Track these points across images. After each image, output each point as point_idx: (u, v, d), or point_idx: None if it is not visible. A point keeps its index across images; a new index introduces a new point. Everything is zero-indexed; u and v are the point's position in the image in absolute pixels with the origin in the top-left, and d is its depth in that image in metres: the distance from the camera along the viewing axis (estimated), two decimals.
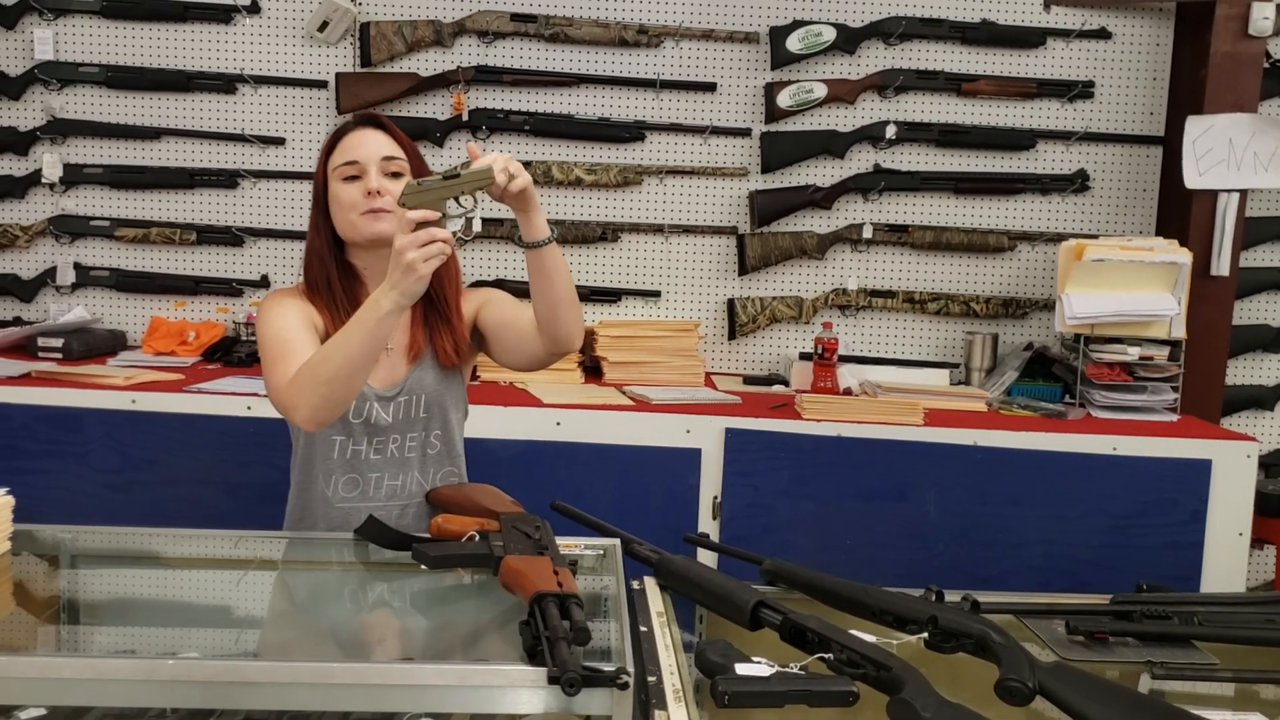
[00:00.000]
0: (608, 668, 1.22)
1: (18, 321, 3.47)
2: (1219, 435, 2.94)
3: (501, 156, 1.82)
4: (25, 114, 3.46)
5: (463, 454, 2.14)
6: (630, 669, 1.24)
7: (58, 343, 3.14)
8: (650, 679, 1.33)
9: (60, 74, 3.42)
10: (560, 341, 1.98)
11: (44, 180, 3.45)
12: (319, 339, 1.94)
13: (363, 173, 1.97)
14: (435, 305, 2.06)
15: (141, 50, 3.44)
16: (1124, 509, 2.80)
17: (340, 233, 2.01)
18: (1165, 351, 3.07)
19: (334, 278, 2.01)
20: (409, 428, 2.03)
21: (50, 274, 3.48)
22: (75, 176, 3.46)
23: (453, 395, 2.10)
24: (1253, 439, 2.86)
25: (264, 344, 1.93)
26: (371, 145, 2.00)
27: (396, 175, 1.99)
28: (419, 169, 2.04)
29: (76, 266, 3.48)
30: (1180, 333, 3.08)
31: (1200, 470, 2.81)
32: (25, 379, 2.88)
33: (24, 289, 3.48)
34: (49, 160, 3.44)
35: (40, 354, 3.13)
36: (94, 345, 3.25)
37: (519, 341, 2.04)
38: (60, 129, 3.44)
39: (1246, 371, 3.59)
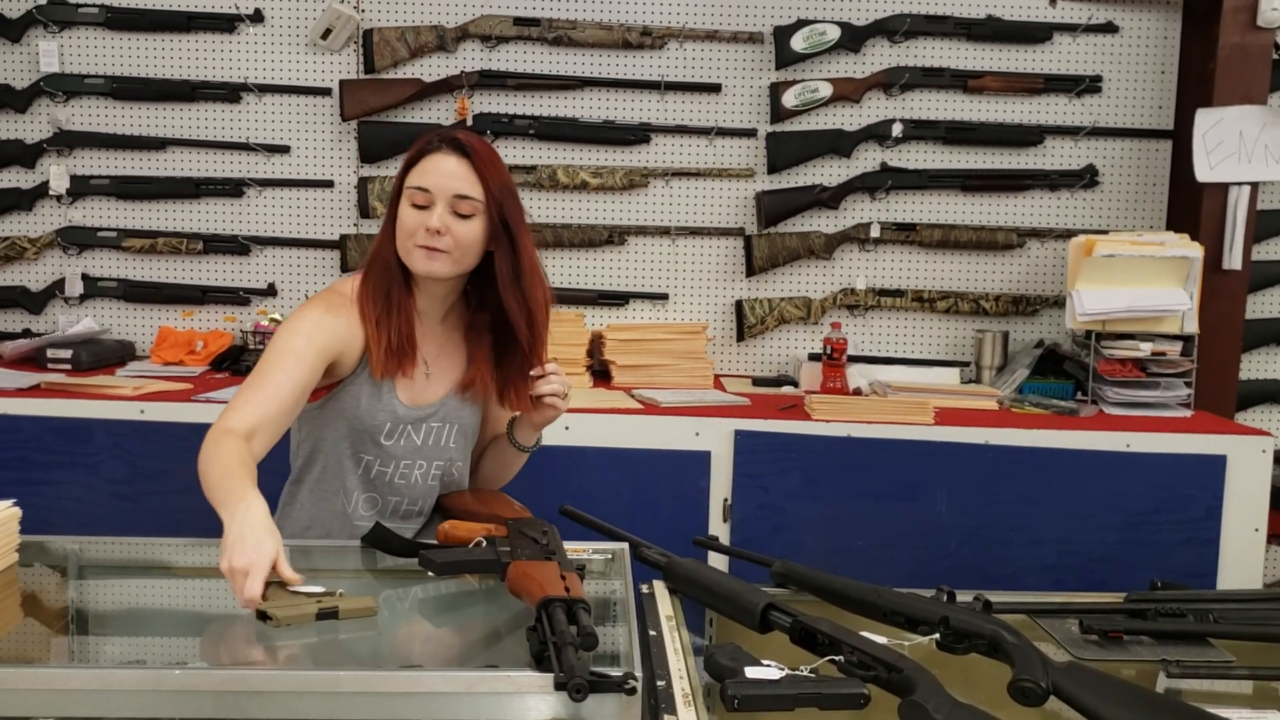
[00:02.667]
0: (615, 673, 1.21)
1: (27, 333, 3.48)
2: (1233, 430, 2.91)
3: (561, 380, 1.99)
4: (32, 126, 3.47)
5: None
6: (638, 674, 1.24)
7: (66, 354, 3.14)
8: (659, 683, 1.32)
9: (66, 86, 3.42)
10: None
11: (51, 192, 3.46)
12: (318, 367, 1.87)
13: (430, 203, 1.89)
14: (507, 329, 1.98)
15: (146, 61, 3.45)
16: (1138, 506, 2.78)
17: (397, 249, 1.94)
18: (1178, 347, 3.05)
19: (394, 287, 1.94)
20: (437, 455, 2.01)
21: (58, 285, 3.48)
22: (82, 188, 3.46)
23: (476, 430, 2.11)
24: (1268, 434, 2.84)
25: (269, 348, 1.88)
26: (448, 176, 1.90)
27: (466, 217, 1.90)
28: (499, 210, 1.91)
29: (84, 278, 3.49)
30: (1193, 328, 3.06)
31: (1215, 466, 2.79)
32: (34, 390, 2.89)
33: (33, 301, 3.49)
34: (56, 172, 3.44)
35: (49, 365, 3.13)
36: (102, 356, 3.25)
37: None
38: (66, 141, 3.44)
39: (1260, 366, 3.57)
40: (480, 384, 2.01)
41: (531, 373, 2.00)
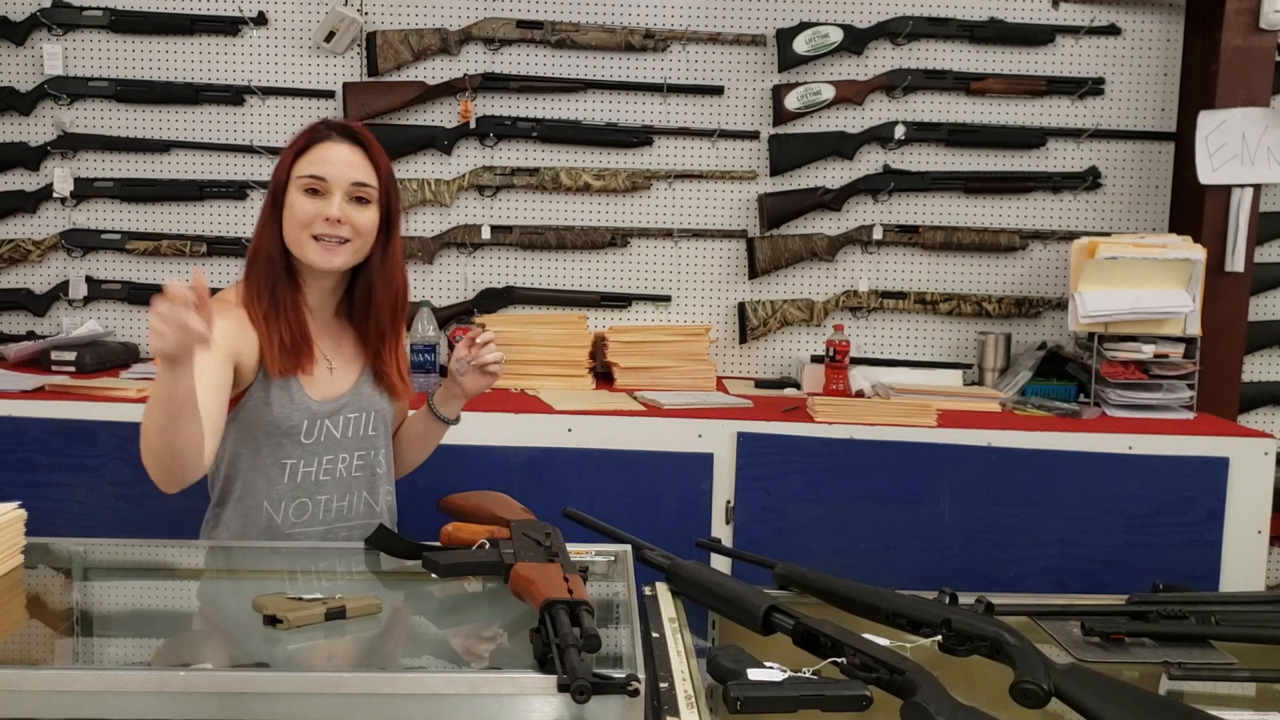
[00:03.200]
0: (618, 674, 1.22)
1: (31, 335, 3.48)
2: (1236, 432, 2.91)
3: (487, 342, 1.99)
4: (36, 129, 3.47)
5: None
6: (641, 676, 1.24)
7: (71, 356, 3.15)
8: (662, 685, 1.32)
9: (70, 89, 3.43)
10: (399, 475, 2.18)
11: (55, 195, 3.46)
12: (224, 367, 1.82)
13: (327, 191, 1.88)
14: (372, 324, 2.00)
15: (150, 64, 3.46)
16: (1141, 508, 2.78)
17: (286, 242, 1.91)
18: (1180, 349, 3.05)
19: (280, 284, 1.91)
20: (358, 445, 2.00)
21: (62, 288, 3.49)
22: (86, 190, 3.47)
23: (391, 416, 2.09)
24: (1270, 436, 2.83)
25: None
26: (344, 164, 1.89)
27: (362, 201, 1.90)
28: (388, 200, 1.94)
29: (88, 280, 3.49)
30: (1195, 330, 3.06)
31: (1218, 468, 2.79)
32: (39, 392, 2.89)
33: (37, 303, 3.50)
34: (60, 175, 3.45)
35: (53, 367, 3.13)
36: (107, 358, 3.25)
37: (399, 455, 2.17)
38: (70, 143, 3.45)
39: (1263, 368, 3.57)
40: (387, 373, 2.03)
41: (478, 339, 2.01)
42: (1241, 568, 2.78)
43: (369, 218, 1.92)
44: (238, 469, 1.97)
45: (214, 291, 1.77)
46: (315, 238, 1.88)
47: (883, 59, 3.48)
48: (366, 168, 1.91)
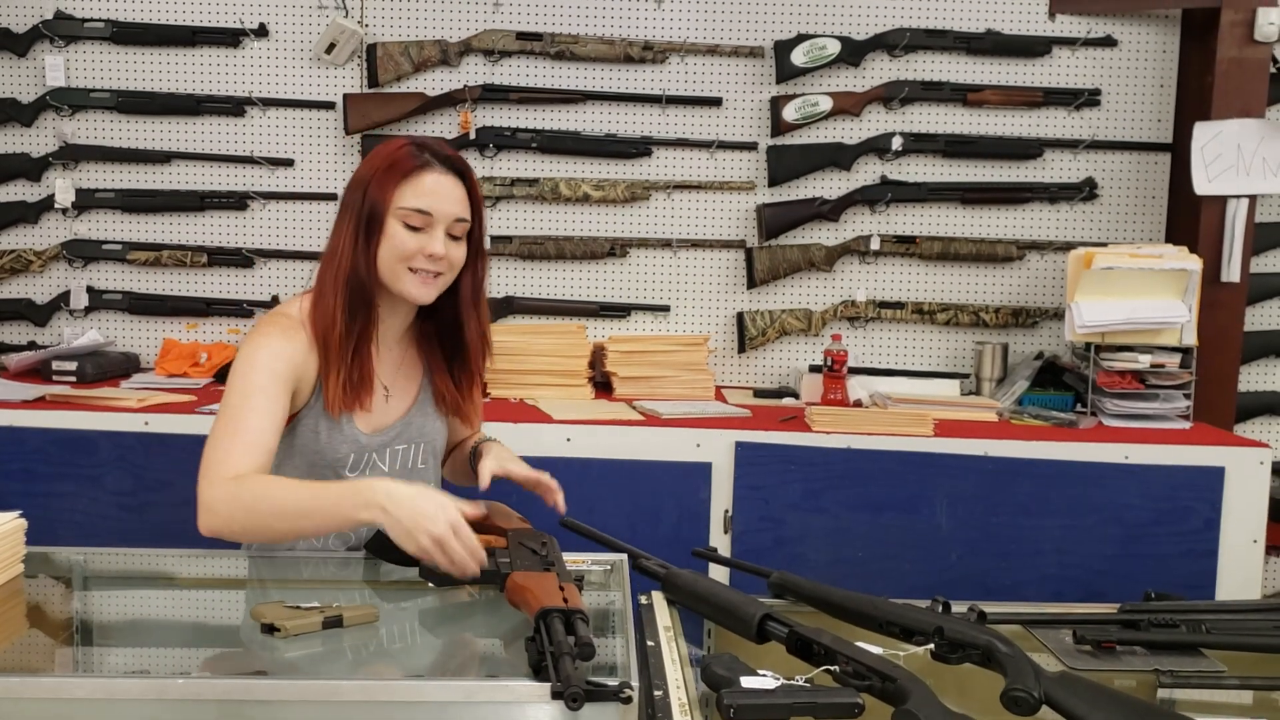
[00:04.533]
0: (612, 682, 1.23)
1: (32, 345, 3.50)
2: (1232, 442, 2.92)
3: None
4: (37, 140, 3.49)
5: None
6: (635, 683, 1.25)
7: (71, 366, 3.16)
8: (657, 694, 1.33)
9: (71, 100, 3.45)
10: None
11: (56, 205, 3.48)
12: (286, 401, 1.80)
13: (430, 227, 1.81)
14: (460, 349, 1.96)
15: (151, 75, 3.47)
16: (1137, 517, 2.79)
17: (379, 268, 1.83)
18: (1177, 359, 3.06)
19: (361, 314, 1.83)
20: (405, 477, 1.89)
21: (64, 298, 3.50)
22: (87, 201, 3.48)
23: (443, 447, 2.06)
24: (1266, 445, 2.84)
25: (230, 387, 1.78)
26: (450, 200, 1.83)
27: (456, 239, 1.85)
28: (478, 230, 1.90)
29: (89, 290, 3.51)
30: (1191, 340, 3.07)
31: (1214, 477, 2.80)
32: (39, 402, 2.90)
33: (38, 313, 3.51)
34: (61, 185, 3.47)
35: (54, 377, 3.15)
36: (107, 368, 3.27)
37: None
38: (72, 154, 3.47)
39: (1259, 378, 3.58)
40: (449, 393, 1.97)
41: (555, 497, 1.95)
42: (1238, 577, 2.78)
43: (462, 252, 1.87)
44: None
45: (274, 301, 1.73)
46: (411, 270, 1.83)
47: (880, 70, 3.49)
48: (465, 202, 1.86)
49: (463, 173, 1.86)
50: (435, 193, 1.82)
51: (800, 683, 1.27)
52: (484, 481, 1.91)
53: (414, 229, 1.81)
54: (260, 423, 1.75)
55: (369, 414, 1.90)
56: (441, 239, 1.82)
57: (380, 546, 1.76)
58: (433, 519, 1.53)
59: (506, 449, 2.03)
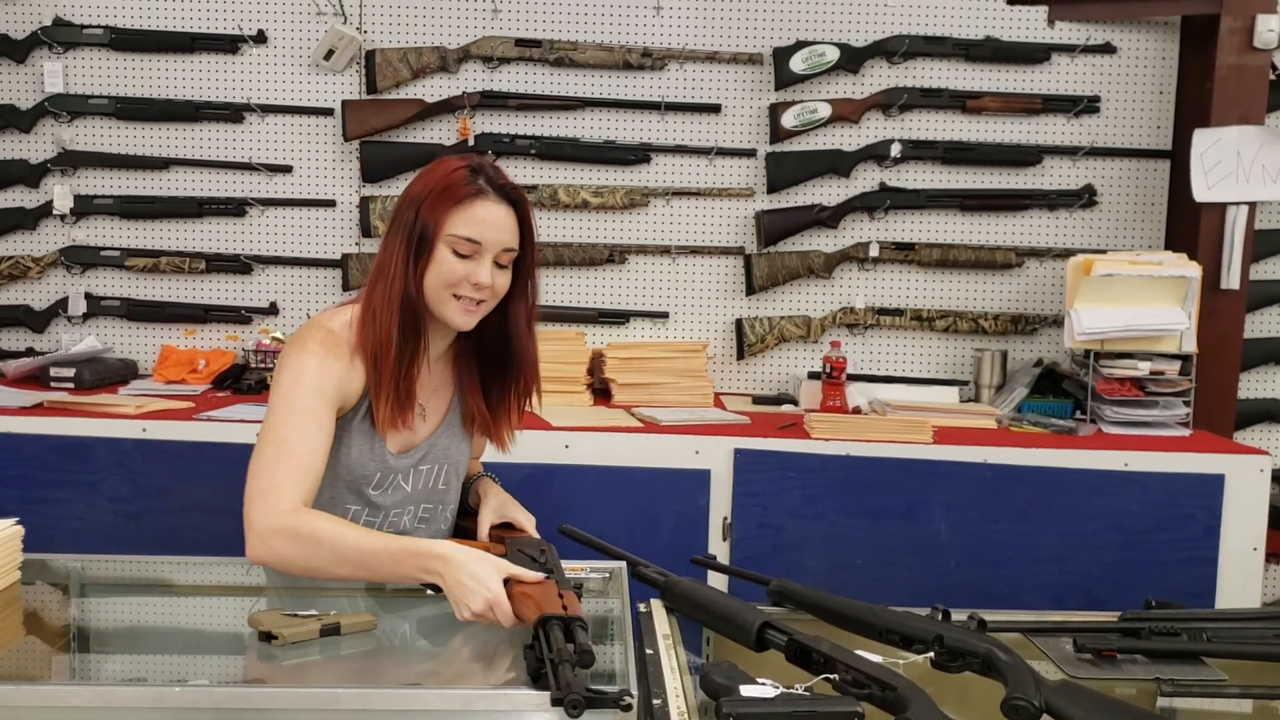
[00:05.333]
0: (611, 689, 1.22)
1: (30, 352, 3.49)
2: (1232, 449, 2.92)
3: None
4: (36, 146, 3.49)
5: None
6: (634, 691, 1.25)
7: (69, 372, 3.16)
8: (655, 702, 1.33)
9: (70, 106, 3.45)
10: None
11: (55, 212, 3.48)
12: (333, 421, 1.78)
13: (478, 255, 1.78)
14: (505, 372, 1.93)
15: (150, 81, 3.47)
16: (1137, 525, 2.79)
17: (425, 290, 1.80)
18: (1176, 366, 3.06)
19: (410, 334, 1.80)
20: (425, 498, 1.92)
21: (62, 304, 3.50)
22: (86, 207, 3.48)
23: (465, 468, 2.03)
24: (1266, 453, 2.84)
25: (275, 406, 1.75)
26: (501, 229, 1.80)
27: (502, 267, 1.82)
28: (529, 258, 1.87)
29: (87, 296, 3.50)
30: (1191, 347, 3.07)
31: (1213, 485, 2.79)
32: (37, 409, 2.90)
33: (36, 320, 3.51)
34: (59, 192, 3.47)
35: (52, 384, 3.14)
36: (105, 374, 3.26)
37: None
38: (70, 161, 3.47)
39: (1259, 385, 3.58)
40: (479, 414, 1.95)
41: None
42: (1238, 584, 2.78)
43: (506, 280, 1.84)
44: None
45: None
46: (456, 296, 1.80)
47: (879, 77, 3.49)
48: (515, 231, 1.82)
49: (516, 202, 1.83)
50: (487, 222, 1.79)
51: (799, 691, 1.26)
52: (483, 534, 1.89)
53: (462, 256, 1.79)
54: (310, 445, 1.73)
55: (400, 435, 1.87)
56: (489, 268, 1.79)
57: None
58: (475, 593, 1.51)
59: (505, 494, 2.01)
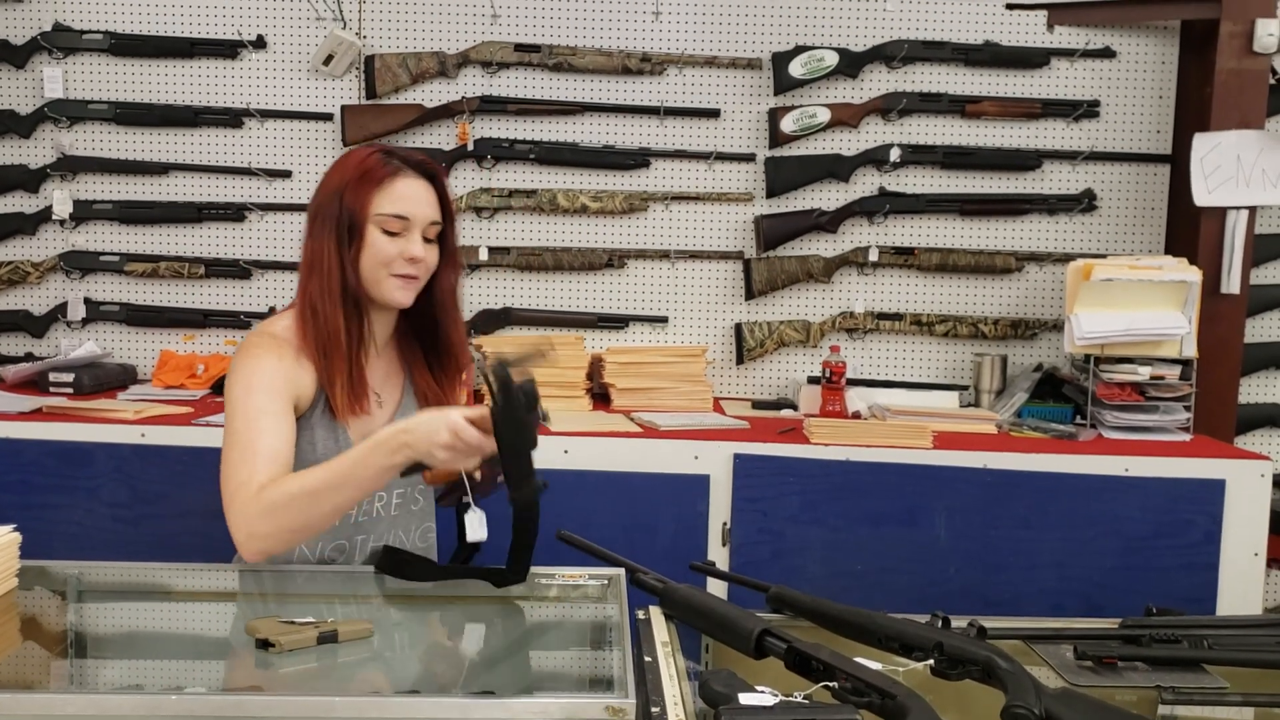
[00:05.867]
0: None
1: (29, 357, 3.49)
2: (1232, 454, 2.91)
3: None
4: (35, 151, 3.49)
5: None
6: (633, 699, 1.24)
7: (68, 378, 3.15)
8: (654, 709, 1.32)
9: (70, 111, 3.45)
10: None
11: (54, 217, 3.48)
12: (292, 416, 1.81)
13: (407, 231, 1.85)
14: (439, 349, 1.99)
15: (149, 87, 3.47)
16: (1137, 530, 2.78)
17: (361, 275, 1.86)
18: (1176, 371, 3.06)
19: (354, 322, 1.86)
20: (395, 483, 1.92)
21: (61, 309, 3.50)
22: (85, 212, 3.48)
23: None
24: (1267, 458, 2.83)
25: (232, 415, 1.79)
26: (425, 203, 1.87)
27: (430, 242, 1.89)
28: (450, 230, 1.94)
29: (87, 301, 3.50)
30: (1191, 351, 3.06)
31: (1214, 490, 2.79)
32: (36, 414, 2.90)
33: (35, 325, 3.51)
34: (59, 197, 3.46)
35: (51, 389, 3.14)
36: (104, 380, 3.26)
37: None
38: (70, 166, 3.46)
39: (1260, 390, 3.57)
40: (430, 391, 1.99)
41: None
42: (1239, 590, 2.77)
43: (435, 253, 1.92)
44: None
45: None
46: (393, 275, 1.86)
47: (878, 82, 3.49)
48: (438, 205, 1.90)
49: (433, 176, 1.91)
50: (410, 197, 1.86)
51: (799, 699, 1.26)
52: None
53: (392, 234, 1.85)
54: (273, 441, 1.77)
55: (361, 422, 1.91)
56: (419, 242, 1.86)
57: (390, 564, 1.75)
58: (436, 431, 1.60)
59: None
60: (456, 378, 2.04)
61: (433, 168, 1.91)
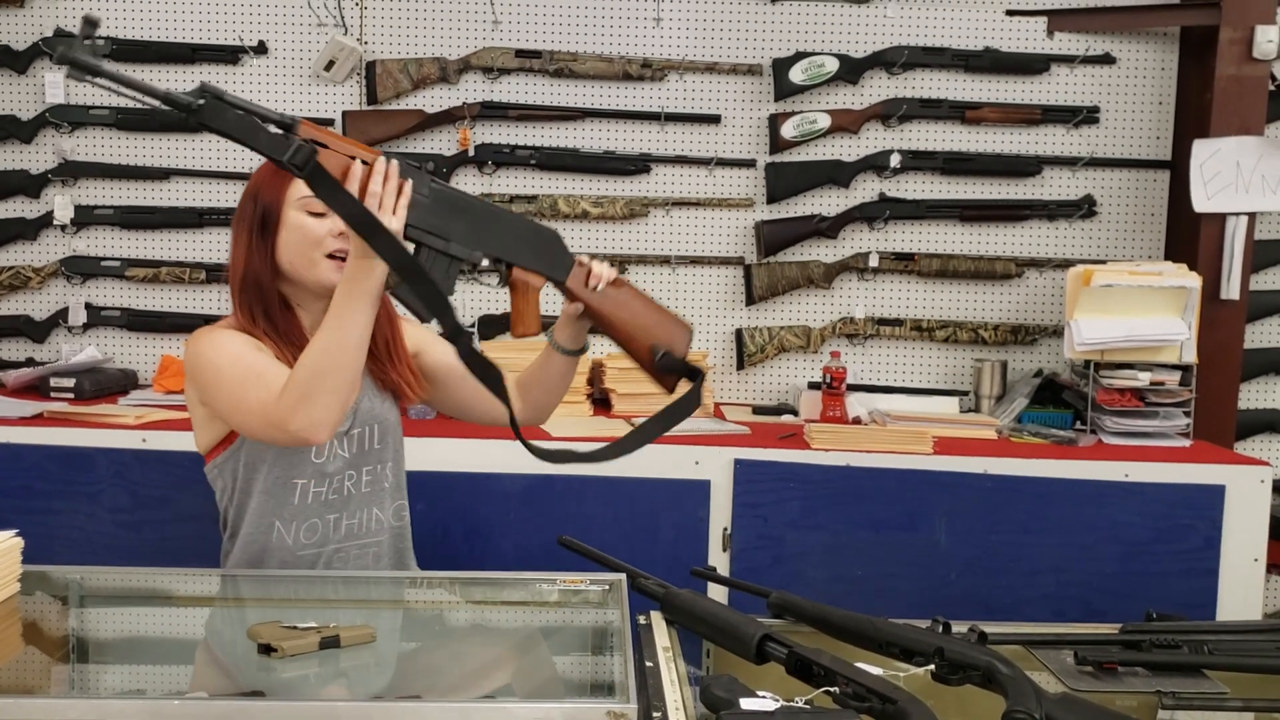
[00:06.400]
0: None
1: (30, 362, 3.49)
2: (1232, 460, 2.92)
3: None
4: (37, 157, 3.50)
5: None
6: (634, 705, 1.24)
7: (69, 383, 3.15)
8: (655, 715, 1.32)
9: (71, 117, 3.45)
10: (535, 421, 2.07)
11: (55, 222, 3.48)
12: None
13: (326, 211, 1.82)
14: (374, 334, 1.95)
15: None
16: (1137, 536, 2.78)
17: (289, 265, 1.88)
18: (1176, 376, 3.06)
19: (275, 310, 1.89)
20: (364, 461, 1.95)
21: (62, 314, 3.50)
22: (86, 218, 3.49)
23: (397, 424, 2.04)
24: (1266, 464, 2.84)
25: (220, 371, 1.79)
26: None
27: None
28: None
29: (88, 307, 3.50)
30: (1191, 357, 3.07)
31: (1214, 496, 2.79)
32: (37, 419, 2.90)
33: (36, 330, 3.51)
34: (60, 202, 3.47)
35: (52, 394, 3.14)
36: (105, 385, 3.26)
37: (477, 400, 2.01)
38: (71, 171, 3.47)
39: (1259, 395, 3.58)
40: (383, 375, 1.98)
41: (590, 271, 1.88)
42: (1238, 596, 2.78)
43: None
44: (249, 494, 1.93)
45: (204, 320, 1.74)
46: (329, 256, 1.87)
47: (878, 88, 3.50)
48: None
49: None
50: None
51: (800, 704, 1.26)
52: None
53: (317, 215, 1.86)
54: (263, 358, 1.80)
55: None
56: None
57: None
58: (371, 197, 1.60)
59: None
60: (399, 355, 2.02)
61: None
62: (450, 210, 1.67)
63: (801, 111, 3.45)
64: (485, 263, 1.76)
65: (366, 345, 1.70)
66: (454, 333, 1.62)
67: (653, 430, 1.81)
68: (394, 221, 1.61)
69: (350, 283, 1.67)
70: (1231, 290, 3.28)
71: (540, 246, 1.79)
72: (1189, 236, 3.37)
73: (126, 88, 1.44)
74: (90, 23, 1.38)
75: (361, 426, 1.96)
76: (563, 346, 1.98)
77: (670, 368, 1.84)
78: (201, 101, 1.46)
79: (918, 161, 3.49)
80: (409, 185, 1.62)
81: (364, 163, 1.62)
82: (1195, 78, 3.41)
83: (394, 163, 1.61)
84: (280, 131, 1.55)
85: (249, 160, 3.48)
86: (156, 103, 1.43)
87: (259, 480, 1.91)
